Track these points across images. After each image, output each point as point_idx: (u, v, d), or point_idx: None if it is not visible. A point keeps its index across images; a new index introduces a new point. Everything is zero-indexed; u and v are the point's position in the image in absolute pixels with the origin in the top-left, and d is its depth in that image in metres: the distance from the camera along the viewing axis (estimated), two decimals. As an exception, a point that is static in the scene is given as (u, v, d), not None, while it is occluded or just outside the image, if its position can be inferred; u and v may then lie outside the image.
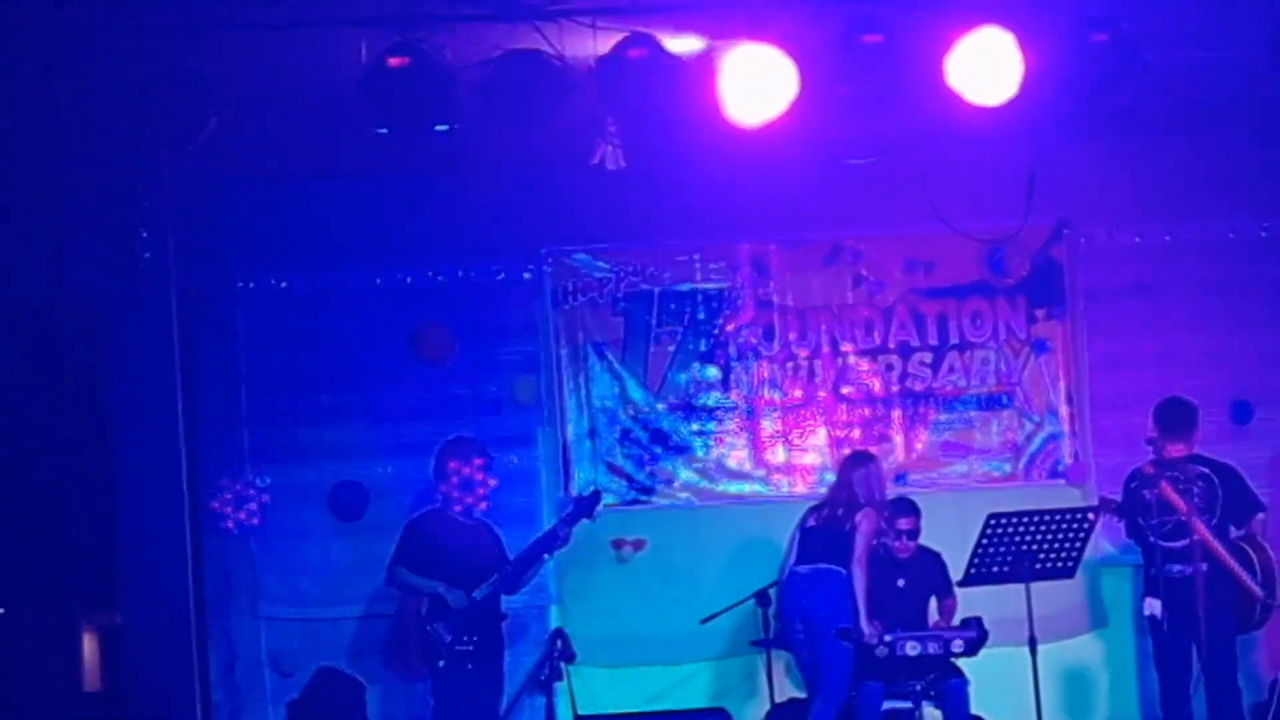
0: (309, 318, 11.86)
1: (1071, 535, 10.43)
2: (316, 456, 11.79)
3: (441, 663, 10.78)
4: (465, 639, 10.74)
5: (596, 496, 11.16)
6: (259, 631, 11.70)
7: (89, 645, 11.99)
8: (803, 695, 10.95)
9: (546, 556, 11.04)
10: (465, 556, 10.79)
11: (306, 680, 11.07)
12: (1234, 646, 10.63)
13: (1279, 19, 9.56)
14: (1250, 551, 10.36)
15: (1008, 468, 12.01)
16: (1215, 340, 11.88)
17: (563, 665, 11.13)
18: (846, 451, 11.34)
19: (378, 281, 11.86)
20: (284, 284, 11.86)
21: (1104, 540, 11.11)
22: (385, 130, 10.12)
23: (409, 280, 11.86)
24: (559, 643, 11.12)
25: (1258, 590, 10.28)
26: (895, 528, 10.91)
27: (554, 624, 11.49)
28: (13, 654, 12.33)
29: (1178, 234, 11.88)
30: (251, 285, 11.81)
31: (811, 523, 10.72)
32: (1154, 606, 10.27)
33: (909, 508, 10.96)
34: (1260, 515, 10.57)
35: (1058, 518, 10.46)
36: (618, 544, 11.78)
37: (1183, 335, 11.87)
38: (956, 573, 10.73)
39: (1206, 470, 10.36)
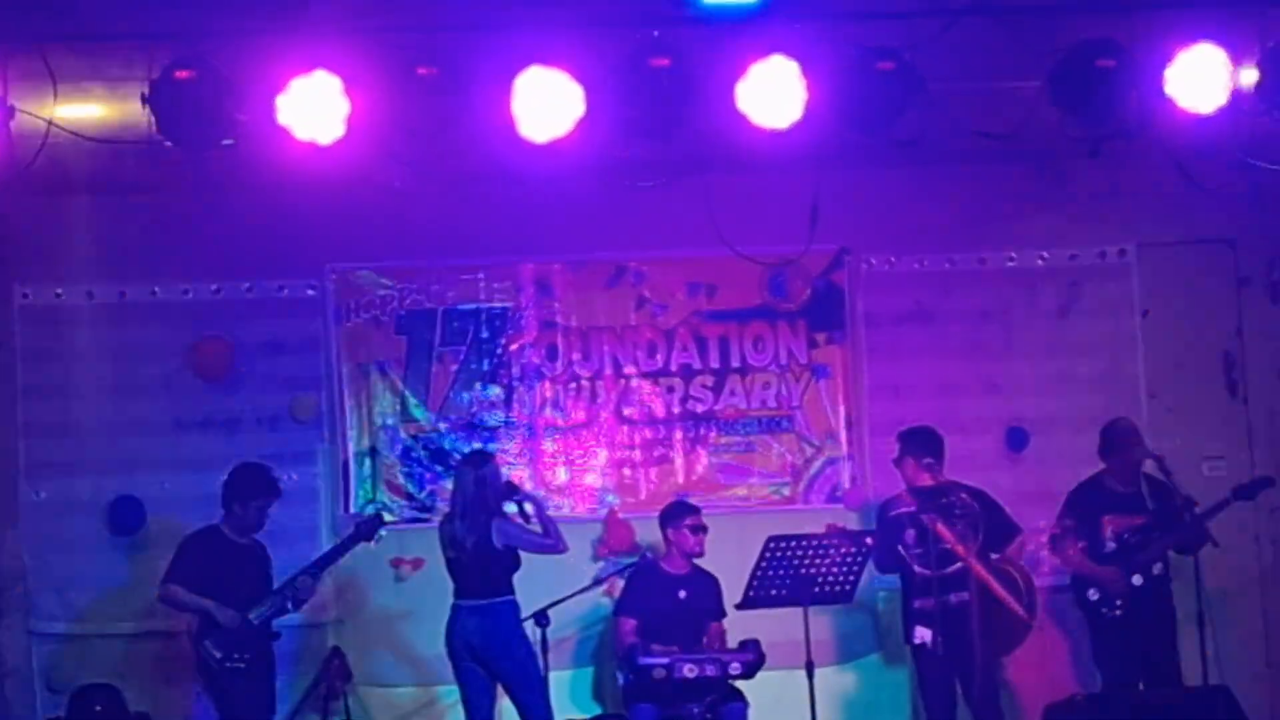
0: (87, 330, 11.76)
1: (850, 560, 10.50)
2: (94, 470, 11.68)
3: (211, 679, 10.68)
4: (236, 657, 10.68)
5: (378, 519, 11.13)
6: (30, 646, 11.59)
7: None
8: (581, 715, 11.04)
9: (324, 576, 10.95)
10: (237, 576, 10.77)
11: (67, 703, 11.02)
12: (998, 675, 10.89)
13: (1060, 52, 9.75)
14: (1014, 574, 10.54)
15: (787, 491, 12.05)
16: (992, 367, 12.12)
17: (340, 685, 11.31)
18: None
19: (156, 293, 11.74)
20: (62, 295, 11.74)
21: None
22: (170, 144, 10.08)
23: (188, 294, 11.80)
24: (336, 662, 11.32)
25: (1022, 612, 10.43)
26: (686, 525, 11.01)
27: (331, 643, 11.49)
28: None
29: (956, 262, 12.07)
30: (28, 297, 11.71)
31: (452, 554, 10.72)
32: (925, 635, 10.44)
33: (690, 507, 11.10)
34: (1019, 538, 10.78)
35: (836, 542, 10.48)
36: (396, 563, 11.74)
37: (960, 362, 12.06)
38: (731, 598, 10.78)
39: (966, 496, 10.56)
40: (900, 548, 10.55)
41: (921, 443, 10.70)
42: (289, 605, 10.80)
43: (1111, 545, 10.92)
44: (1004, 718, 10.75)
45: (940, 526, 10.33)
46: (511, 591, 10.43)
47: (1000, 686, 10.79)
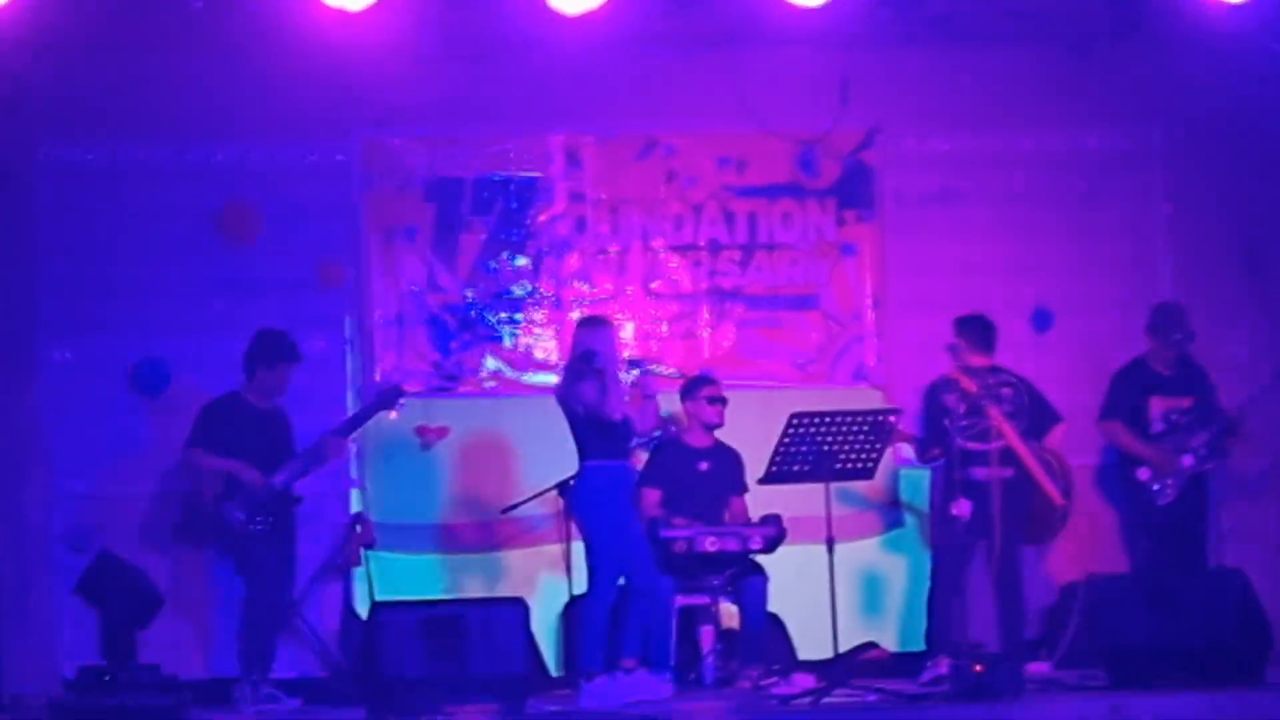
0: (113, 190, 11.79)
1: (872, 437, 10.58)
2: (118, 330, 11.73)
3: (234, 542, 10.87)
4: (258, 520, 10.79)
5: (398, 390, 11.22)
6: (51, 507, 11.70)
7: None
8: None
9: (346, 441, 11.05)
10: (259, 441, 10.86)
11: (89, 561, 11.14)
12: (1021, 555, 11.09)
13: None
14: (1053, 460, 10.77)
15: (812, 368, 12.18)
16: (1018, 249, 12.17)
17: (362, 551, 11.44)
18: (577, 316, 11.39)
19: (184, 156, 11.77)
20: (88, 155, 11.73)
21: (904, 444, 11.35)
22: (200, 3, 10.08)
23: (215, 156, 11.80)
24: (359, 528, 11.44)
25: (1058, 496, 10.66)
26: (703, 396, 11.08)
27: (354, 509, 11.64)
28: None
29: (984, 143, 12.13)
30: (54, 155, 11.71)
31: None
32: (964, 508, 10.59)
33: (708, 379, 11.19)
34: (1059, 426, 10.98)
35: (859, 419, 10.62)
36: (421, 431, 11.83)
37: (986, 243, 12.11)
38: (753, 474, 10.88)
39: (1013, 379, 10.76)
40: (946, 420, 10.63)
41: (978, 330, 10.84)
42: (311, 470, 10.91)
43: (1160, 426, 11.09)
44: (1024, 596, 10.89)
45: (988, 403, 10.46)
46: (592, 458, 10.58)
47: (1021, 566, 10.95)
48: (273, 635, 11.02)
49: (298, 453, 10.95)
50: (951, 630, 10.85)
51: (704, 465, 10.96)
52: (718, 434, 11.25)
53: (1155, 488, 11.12)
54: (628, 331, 11.74)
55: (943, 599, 11.03)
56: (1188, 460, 11.08)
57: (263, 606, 10.89)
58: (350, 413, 11.35)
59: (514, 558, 11.95)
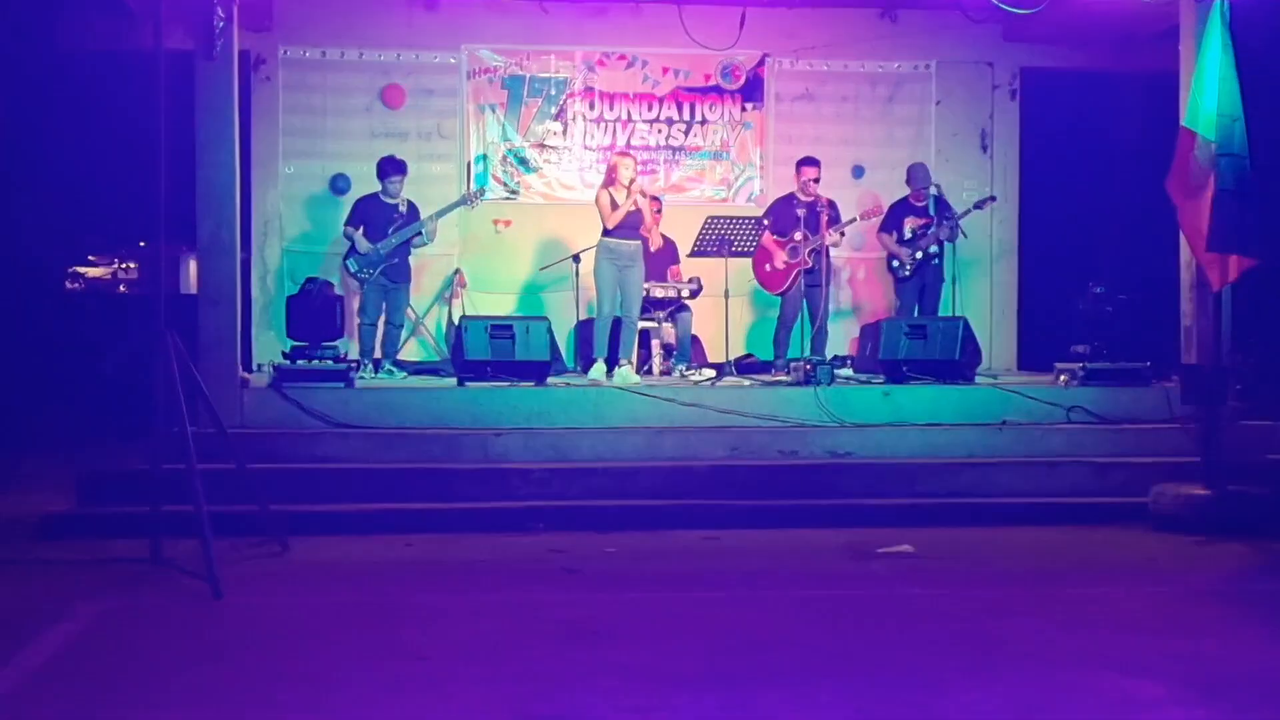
0: (320, 79, 14.40)
1: (753, 230, 13.28)
2: (322, 158, 14.57)
3: (358, 281, 12.80)
4: (367, 272, 12.80)
5: (474, 194, 13.30)
6: (282, 256, 14.59)
7: (190, 265, 14.89)
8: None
9: (437, 222, 12.95)
10: (384, 222, 12.85)
11: (301, 285, 13.06)
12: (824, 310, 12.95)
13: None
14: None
15: (724, 194, 14.83)
16: (847, 129, 15.01)
17: (460, 289, 14.22)
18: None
19: (363, 56, 14.38)
20: (305, 54, 14.44)
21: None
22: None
23: (380, 57, 14.43)
24: (458, 274, 14.28)
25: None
26: (654, 207, 12.69)
27: (456, 266, 14.43)
28: (144, 271, 15.45)
29: (830, 66, 14.96)
30: (286, 52, 14.49)
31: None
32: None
33: (654, 196, 12.92)
34: (843, 225, 13.05)
35: (746, 221, 13.28)
36: (496, 221, 14.68)
37: (829, 125, 15.01)
38: (686, 252, 13.38)
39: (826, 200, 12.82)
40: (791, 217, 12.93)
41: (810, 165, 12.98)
42: (413, 240, 12.80)
43: (908, 235, 13.58)
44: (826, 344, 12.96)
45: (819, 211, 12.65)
46: (604, 236, 12.57)
47: (824, 305, 13.09)
48: (390, 338, 13.00)
49: (399, 228, 12.75)
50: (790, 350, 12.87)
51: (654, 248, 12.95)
52: (668, 229, 13.46)
53: (900, 272, 13.71)
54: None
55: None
56: (919, 255, 13.51)
57: (366, 323, 12.86)
58: (446, 204, 13.16)
59: (547, 295, 14.67)
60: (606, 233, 12.51)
